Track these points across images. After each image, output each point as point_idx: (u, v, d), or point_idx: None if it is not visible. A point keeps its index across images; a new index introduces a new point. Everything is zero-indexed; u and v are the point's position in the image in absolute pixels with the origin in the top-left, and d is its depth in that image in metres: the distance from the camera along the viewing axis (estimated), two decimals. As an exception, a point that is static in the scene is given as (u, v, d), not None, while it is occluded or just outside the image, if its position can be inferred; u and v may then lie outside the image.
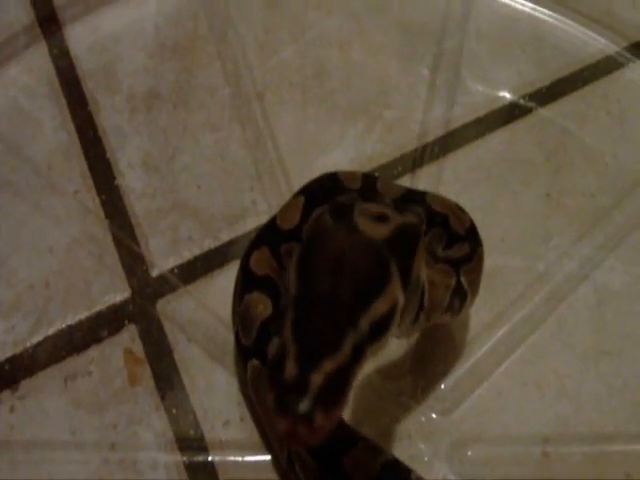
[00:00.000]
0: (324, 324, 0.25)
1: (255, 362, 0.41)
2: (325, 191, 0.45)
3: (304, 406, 0.23)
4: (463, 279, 0.39)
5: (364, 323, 0.26)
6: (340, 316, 0.26)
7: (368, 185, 0.46)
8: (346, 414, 0.41)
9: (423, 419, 0.43)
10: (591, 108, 0.56)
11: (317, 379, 0.24)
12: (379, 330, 0.27)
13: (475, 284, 0.40)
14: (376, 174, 0.50)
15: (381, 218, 0.30)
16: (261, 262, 0.42)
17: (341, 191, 0.45)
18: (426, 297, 0.35)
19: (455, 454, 0.42)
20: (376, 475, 0.37)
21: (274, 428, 0.40)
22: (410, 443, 0.43)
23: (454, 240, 0.42)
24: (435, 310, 0.37)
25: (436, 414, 0.44)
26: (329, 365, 0.24)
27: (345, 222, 0.29)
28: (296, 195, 0.45)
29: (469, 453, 0.42)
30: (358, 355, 0.26)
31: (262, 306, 0.41)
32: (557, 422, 0.43)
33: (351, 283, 0.27)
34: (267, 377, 0.25)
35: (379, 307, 0.27)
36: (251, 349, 0.41)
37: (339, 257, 0.28)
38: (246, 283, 0.42)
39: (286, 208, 0.45)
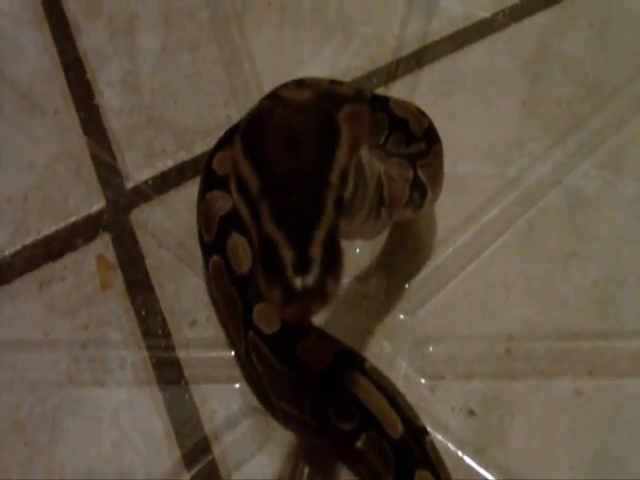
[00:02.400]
0: (300, 197, 0.25)
1: (216, 258, 0.40)
2: (291, 96, 0.44)
3: (314, 280, 0.23)
4: (420, 173, 0.38)
5: (334, 177, 0.25)
6: (312, 182, 0.25)
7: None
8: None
9: (387, 319, 0.43)
10: (572, 19, 0.54)
11: (316, 250, 0.23)
12: (345, 179, 0.26)
13: (434, 179, 0.39)
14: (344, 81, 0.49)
15: (303, 87, 0.29)
16: (223, 162, 0.42)
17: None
18: (385, 190, 0.34)
19: (417, 351, 0.42)
20: (329, 363, 0.37)
21: (233, 319, 0.40)
22: (374, 341, 0.42)
23: (413, 142, 0.41)
24: (396, 204, 0.37)
25: (401, 313, 0.43)
26: (321, 232, 0.24)
27: (272, 100, 0.29)
28: (262, 100, 0.44)
29: (431, 350, 0.42)
30: (340, 210, 0.25)
31: (221, 202, 0.41)
32: (522, 321, 0.42)
33: (306, 148, 0.26)
34: (264, 280, 0.23)
35: (340, 157, 0.26)
36: (212, 245, 0.41)
37: (282, 131, 0.26)
38: (208, 182, 0.42)
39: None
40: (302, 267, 0.23)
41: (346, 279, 0.44)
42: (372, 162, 0.32)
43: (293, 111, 0.27)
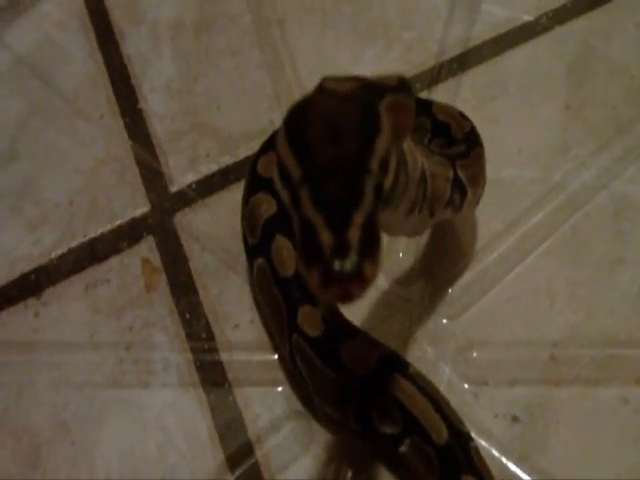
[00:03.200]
0: (340, 183, 0.25)
1: (260, 260, 0.41)
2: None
3: (352, 264, 0.23)
4: (460, 173, 0.38)
5: (374, 164, 0.26)
6: (351, 169, 0.25)
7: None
8: (354, 318, 0.41)
9: (431, 324, 0.43)
10: (618, 21, 0.53)
11: (354, 234, 0.24)
12: (385, 167, 0.27)
13: (474, 181, 0.39)
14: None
15: (346, 80, 0.29)
16: (268, 165, 0.43)
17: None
18: (428, 186, 0.34)
19: (460, 356, 0.42)
20: (373, 367, 0.37)
21: (277, 322, 0.40)
22: (417, 346, 0.42)
23: (454, 145, 0.41)
24: (438, 202, 0.37)
25: (444, 319, 0.43)
26: (359, 217, 0.24)
27: (315, 90, 0.29)
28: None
29: (474, 355, 0.42)
30: (379, 196, 0.26)
31: (266, 205, 0.41)
32: (567, 328, 0.42)
33: (347, 137, 0.26)
34: (303, 263, 0.24)
35: (381, 146, 0.26)
36: (256, 248, 0.41)
37: (324, 120, 0.27)
38: (252, 186, 0.43)
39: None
40: (340, 250, 0.23)
41: (389, 283, 0.45)
42: (415, 155, 0.33)
43: (335, 101, 0.27)
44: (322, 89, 0.28)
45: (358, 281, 0.23)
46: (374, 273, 0.23)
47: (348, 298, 0.23)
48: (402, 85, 0.31)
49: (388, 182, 0.27)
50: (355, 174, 0.25)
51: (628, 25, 0.53)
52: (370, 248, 0.24)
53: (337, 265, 0.23)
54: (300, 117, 0.27)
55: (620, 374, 0.41)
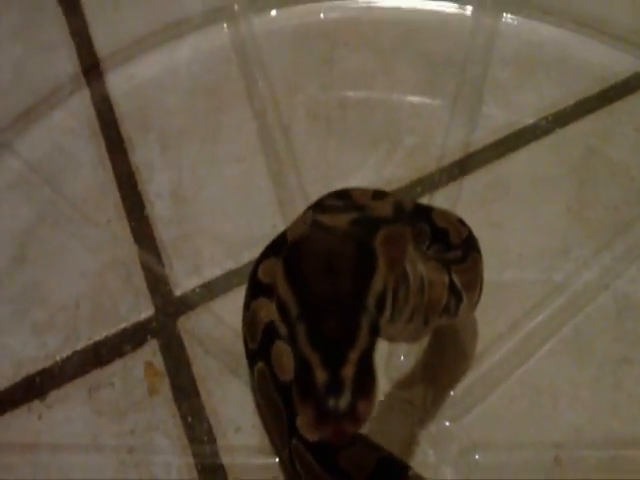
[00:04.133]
0: (336, 321, 0.28)
1: (260, 364, 0.46)
2: (335, 206, 0.51)
3: (345, 402, 0.26)
4: (456, 278, 0.43)
5: (370, 302, 0.29)
6: (348, 308, 0.29)
7: (378, 200, 0.52)
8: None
9: (433, 426, 0.48)
10: (618, 124, 0.60)
11: (348, 372, 0.26)
12: (381, 304, 0.30)
13: (470, 286, 0.45)
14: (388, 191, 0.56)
15: (342, 208, 0.35)
16: (268, 271, 0.49)
17: (351, 206, 0.51)
18: (425, 295, 0.40)
19: (463, 459, 0.46)
20: (372, 470, 0.41)
21: (277, 426, 0.45)
22: (419, 449, 0.47)
23: (451, 250, 0.47)
24: (433, 309, 0.42)
25: (446, 421, 0.48)
26: (354, 355, 0.27)
27: (311, 226, 0.33)
28: (307, 210, 0.51)
29: (477, 458, 0.46)
30: (374, 334, 0.29)
31: (266, 310, 0.47)
32: (571, 429, 0.46)
33: (343, 275, 0.30)
34: (298, 400, 0.27)
35: (377, 284, 0.30)
36: (257, 352, 0.47)
37: (320, 258, 0.31)
38: (253, 291, 0.48)
39: (296, 222, 0.51)
40: (334, 388, 0.26)
41: (390, 386, 0.49)
42: (416, 264, 0.38)
43: (330, 238, 0.32)
44: (318, 224, 0.33)
45: (351, 419, 0.26)
46: (368, 411, 0.26)
47: (341, 436, 0.26)
48: (397, 211, 0.36)
49: (385, 317, 0.31)
50: (351, 312, 0.29)
51: (627, 128, 0.60)
52: (364, 386, 0.27)
53: (331, 403, 0.26)
54: (297, 252, 0.31)
55: (627, 476, 0.45)
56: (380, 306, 0.30)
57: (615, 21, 0.66)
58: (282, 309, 0.30)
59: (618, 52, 0.65)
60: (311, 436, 0.27)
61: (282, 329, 0.31)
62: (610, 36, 0.66)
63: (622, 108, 0.61)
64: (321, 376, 0.27)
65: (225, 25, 0.70)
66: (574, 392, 0.48)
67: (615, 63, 0.64)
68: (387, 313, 0.31)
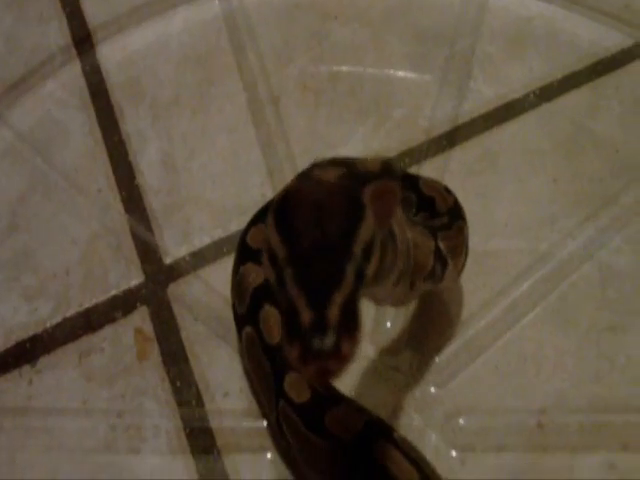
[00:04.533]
0: (323, 265, 0.29)
1: (248, 329, 0.46)
2: (323, 174, 0.51)
3: (329, 341, 0.26)
4: (441, 244, 0.43)
5: (357, 250, 0.30)
6: (335, 252, 0.29)
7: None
8: (342, 386, 0.46)
9: (418, 392, 0.48)
10: (604, 99, 0.60)
11: (333, 312, 0.27)
12: (368, 253, 0.31)
13: (455, 252, 0.45)
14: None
15: (332, 165, 0.35)
16: (257, 237, 0.49)
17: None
18: (411, 258, 0.40)
19: (448, 424, 0.46)
20: (358, 432, 0.42)
21: (265, 389, 0.45)
22: (404, 414, 0.47)
23: (437, 218, 0.47)
24: (419, 273, 0.42)
25: (432, 387, 0.48)
26: (339, 297, 0.28)
27: (302, 178, 0.34)
28: (295, 178, 0.51)
29: (462, 422, 0.46)
30: (360, 280, 0.30)
31: (254, 274, 0.47)
32: (554, 395, 0.47)
33: (331, 223, 0.30)
34: (286, 339, 0.27)
35: (364, 233, 0.31)
36: (245, 316, 0.47)
37: (309, 208, 0.31)
38: (242, 256, 0.48)
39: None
40: (319, 328, 0.27)
41: (377, 352, 0.50)
42: (404, 228, 0.38)
43: (320, 189, 0.32)
44: (309, 176, 0.34)
45: (336, 358, 0.27)
46: (352, 351, 0.27)
47: (326, 375, 0.27)
48: (386, 170, 0.37)
49: (372, 266, 0.31)
50: (337, 258, 0.29)
51: (613, 103, 0.60)
52: (349, 327, 0.27)
53: (315, 342, 0.26)
54: (287, 203, 0.32)
55: (607, 441, 0.45)
56: (367, 255, 0.31)
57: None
58: (271, 255, 0.30)
59: (606, 28, 0.65)
60: (299, 372, 0.28)
61: (270, 276, 0.31)
62: (598, 12, 0.65)
63: (608, 83, 0.61)
64: (307, 316, 0.27)
65: (217, -1, 0.70)
66: (558, 359, 0.48)
67: (603, 39, 0.64)
68: (374, 264, 0.31)
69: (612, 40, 0.63)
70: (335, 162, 0.35)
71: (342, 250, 0.30)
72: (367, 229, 0.31)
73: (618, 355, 0.48)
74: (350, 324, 0.28)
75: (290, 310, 0.28)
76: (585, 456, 0.45)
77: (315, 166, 0.35)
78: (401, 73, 0.64)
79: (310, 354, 0.26)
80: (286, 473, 0.45)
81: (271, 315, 0.46)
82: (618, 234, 0.53)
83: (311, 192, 0.32)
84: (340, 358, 0.26)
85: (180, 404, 0.49)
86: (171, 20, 0.68)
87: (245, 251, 0.49)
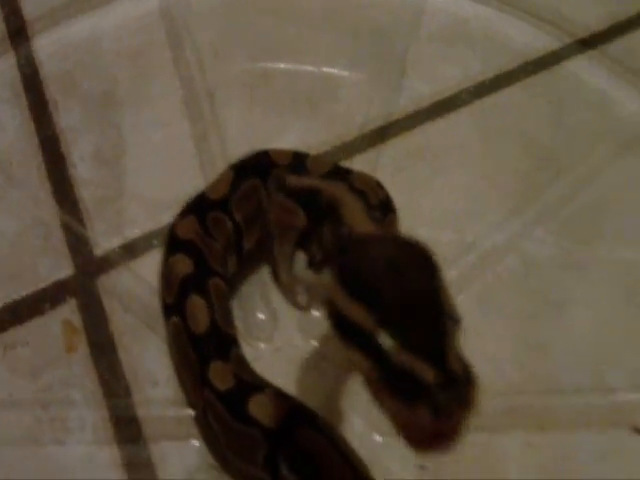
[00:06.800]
0: (423, 322, 0.29)
1: (175, 319, 0.47)
2: (255, 166, 0.53)
3: (462, 393, 0.27)
4: None
5: (444, 297, 0.30)
6: (429, 306, 0.29)
7: (298, 161, 0.53)
8: (269, 375, 0.47)
9: (345, 379, 0.49)
10: (533, 97, 0.63)
11: (454, 365, 0.28)
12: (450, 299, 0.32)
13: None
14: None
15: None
16: (187, 228, 0.50)
17: (270, 166, 0.53)
18: None
19: (371, 408, 0.47)
20: (282, 418, 0.43)
21: (191, 378, 0.46)
22: (330, 401, 0.48)
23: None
24: None
25: (354, 372, 0.49)
26: (451, 349, 0.28)
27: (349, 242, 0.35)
28: (227, 170, 0.53)
29: (386, 407, 0.47)
30: (454, 325, 0.30)
31: (182, 265, 0.48)
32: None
33: (414, 276, 0.30)
34: (402, 406, 0.27)
35: (442, 278, 0.31)
36: (172, 306, 0.48)
37: (385, 263, 0.31)
38: (171, 247, 0.49)
39: (216, 181, 0.52)
40: (446, 383, 0.27)
41: (304, 341, 0.51)
42: None
43: (384, 244, 0.33)
44: (356, 240, 0.34)
45: (467, 408, 0.27)
46: (477, 397, 0.27)
47: (459, 428, 0.27)
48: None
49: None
50: (432, 310, 0.29)
51: (541, 101, 0.63)
52: (468, 374, 0.28)
53: (449, 397, 0.26)
54: (356, 268, 0.31)
55: (524, 421, 0.47)
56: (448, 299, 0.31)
57: (537, 1, 0.69)
58: (349, 328, 0.29)
59: (537, 31, 0.68)
60: (427, 446, 0.28)
61: (352, 351, 0.30)
62: (531, 15, 0.68)
63: (538, 82, 0.64)
64: (431, 374, 0.27)
65: (154, -8, 0.70)
66: (480, 346, 0.50)
67: (534, 41, 0.67)
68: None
69: (542, 42, 0.66)
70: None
71: (434, 301, 0.30)
72: (442, 274, 0.31)
73: (536, 341, 0.50)
74: (467, 371, 0.28)
75: (400, 375, 0.27)
76: (503, 436, 0.47)
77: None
78: (337, 69, 0.66)
79: (444, 411, 0.26)
80: (211, 460, 0.46)
81: (197, 304, 0.47)
82: (542, 226, 0.55)
83: (376, 249, 0.32)
84: (469, 407, 0.27)
85: (108, 395, 0.49)
86: (107, 14, 0.69)
87: (174, 242, 0.49)
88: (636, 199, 0.58)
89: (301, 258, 0.42)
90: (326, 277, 0.32)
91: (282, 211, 0.41)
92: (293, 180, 0.50)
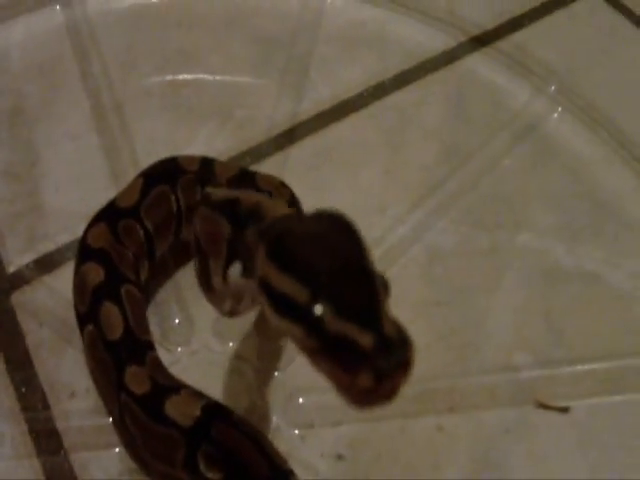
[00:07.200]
0: (356, 289, 0.29)
1: (90, 327, 0.47)
2: (163, 173, 0.53)
3: (400, 355, 0.27)
4: None
5: (371, 263, 0.31)
6: (359, 274, 0.30)
7: (205, 167, 0.54)
8: (188, 378, 0.47)
9: (261, 377, 0.50)
10: (431, 94, 0.65)
11: (389, 329, 0.28)
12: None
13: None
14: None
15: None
16: (97, 236, 0.50)
17: (178, 172, 0.53)
18: None
19: (288, 404, 0.49)
20: (198, 417, 0.43)
21: (107, 385, 0.47)
22: (247, 399, 0.49)
23: None
24: None
25: (273, 371, 0.50)
26: (384, 313, 0.28)
27: (280, 221, 0.35)
28: (136, 178, 0.53)
29: (301, 401, 0.49)
30: (385, 290, 0.30)
31: (94, 273, 0.48)
32: (387, 368, 0.50)
33: (341, 248, 0.31)
34: (344, 372, 0.27)
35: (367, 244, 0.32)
36: (86, 315, 0.48)
37: (312, 239, 0.31)
38: (82, 256, 0.50)
39: (126, 189, 0.53)
40: (385, 347, 0.27)
41: (220, 342, 0.52)
42: None
43: (307, 222, 0.33)
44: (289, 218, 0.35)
45: (406, 369, 0.27)
46: (414, 356, 0.28)
47: (398, 390, 0.27)
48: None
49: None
50: (363, 278, 0.30)
51: (439, 98, 0.65)
52: (403, 335, 0.29)
53: (387, 360, 0.27)
54: (286, 246, 0.31)
55: (435, 405, 0.49)
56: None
57: (431, 2, 0.71)
58: (284, 303, 0.29)
59: (433, 30, 0.70)
60: (368, 404, 0.28)
61: (289, 326, 0.29)
62: (426, 16, 0.71)
63: (435, 80, 0.66)
64: (368, 340, 0.27)
65: (58, 7, 0.70)
66: (390, 335, 0.51)
67: (430, 40, 0.70)
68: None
69: (438, 41, 0.69)
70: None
71: (363, 268, 0.30)
72: (365, 241, 0.32)
73: (443, 327, 0.52)
74: (402, 332, 0.28)
75: (339, 344, 0.28)
76: (415, 421, 0.48)
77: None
78: (242, 76, 0.67)
79: (384, 374, 0.27)
80: (132, 465, 0.47)
81: (111, 311, 0.47)
82: (444, 217, 0.58)
83: (301, 224, 0.33)
84: (408, 367, 0.27)
85: (25, 409, 0.49)
86: (12, 29, 0.69)
87: (86, 251, 0.50)
88: (533, 185, 0.61)
89: (237, 267, 0.44)
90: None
91: (207, 223, 0.42)
92: (215, 193, 0.51)
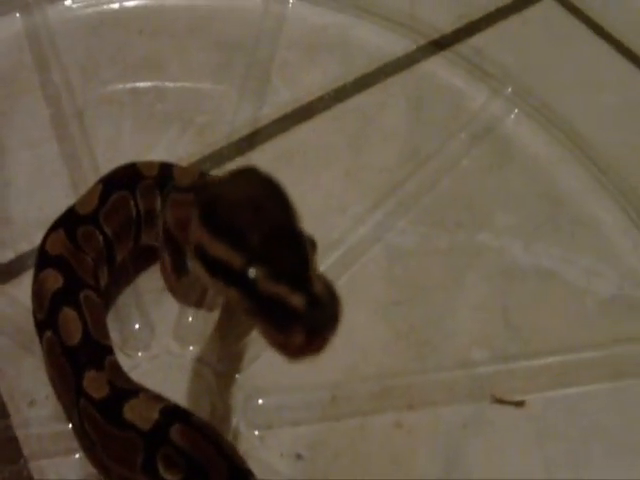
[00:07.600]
0: (286, 251, 0.30)
1: (48, 334, 0.47)
2: (122, 178, 0.53)
3: (330, 311, 0.29)
4: None
5: (299, 225, 0.32)
6: (289, 236, 0.31)
7: (165, 172, 0.54)
8: (148, 383, 0.47)
9: (219, 379, 0.50)
10: (391, 97, 0.66)
11: (318, 287, 0.29)
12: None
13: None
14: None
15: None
16: (56, 243, 0.50)
17: (138, 178, 0.53)
18: None
19: (247, 405, 0.49)
20: (156, 419, 0.43)
21: (66, 390, 0.47)
22: (206, 402, 0.49)
23: None
24: None
25: (233, 373, 0.50)
26: (313, 272, 0.30)
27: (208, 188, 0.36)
28: (95, 184, 0.53)
29: (260, 402, 0.49)
30: (313, 250, 0.33)
31: (52, 279, 0.48)
32: (347, 368, 0.51)
33: (271, 211, 0.32)
34: (278, 332, 0.28)
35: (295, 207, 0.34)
36: (45, 321, 0.48)
37: (242, 204, 0.32)
38: (41, 263, 0.49)
39: (85, 196, 0.53)
40: (315, 305, 0.28)
41: (180, 346, 0.52)
42: None
43: (235, 183, 0.34)
44: (211, 185, 0.36)
45: (335, 323, 0.29)
46: (342, 311, 0.29)
47: (327, 344, 0.29)
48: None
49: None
50: (293, 239, 0.31)
51: (400, 100, 0.66)
52: (331, 291, 0.29)
53: (320, 318, 0.28)
54: (217, 211, 0.32)
55: (394, 402, 0.49)
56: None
57: (392, 7, 0.72)
58: (219, 268, 0.31)
59: (393, 34, 0.71)
60: (301, 357, 0.29)
61: (225, 289, 0.31)
62: (387, 20, 0.71)
63: (395, 83, 0.67)
64: (299, 300, 0.28)
65: (18, 14, 0.70)
66: (348, 335, 0.51)
67: (390, 44, 0.70)
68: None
69: (398, 45, 0.70)
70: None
71: (293, 231, 0.32)
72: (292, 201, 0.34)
73: (403, 325, 0.53)
74: (331, 289, 0.30)
75: (272, 306, 0.29)
76: (374, 419, 0.49)
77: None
78: (204, 82, 0.67)
79: (316, 330, 0.28)
80: (92, 470, 0.47)
81: (69, 317, 0.47)
82: (404, 217, 0.58)
83: (231, 187, 0.34)
84: (337, 321, 0.29)
85: (-17, 419, 0.49)
86: (-31, 37, 0.68)
87: (44, 258, 0.50)
88: (491, 185, 0.61)
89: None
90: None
91: (178, 208, 0.42)
92: (183, 180, 0.52)
